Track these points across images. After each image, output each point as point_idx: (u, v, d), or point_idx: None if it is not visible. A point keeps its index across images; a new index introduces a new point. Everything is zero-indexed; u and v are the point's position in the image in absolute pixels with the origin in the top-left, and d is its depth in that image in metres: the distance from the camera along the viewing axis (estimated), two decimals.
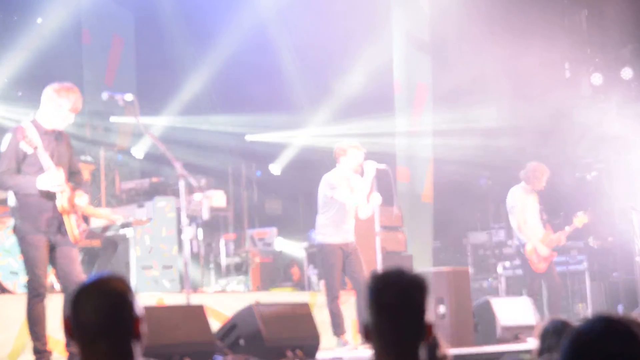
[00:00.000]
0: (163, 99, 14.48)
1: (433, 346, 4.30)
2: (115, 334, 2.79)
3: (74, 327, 2.83)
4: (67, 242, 7.16)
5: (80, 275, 7.16)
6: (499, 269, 14.09)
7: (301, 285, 13.03)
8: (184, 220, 7.83)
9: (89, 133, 14.63)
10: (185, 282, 7.74)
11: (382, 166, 9.67)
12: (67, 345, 7.15)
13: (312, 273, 12.64)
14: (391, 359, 2.91)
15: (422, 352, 2.94)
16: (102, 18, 14.84)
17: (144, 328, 2.85)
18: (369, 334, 2.96)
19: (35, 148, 6.93)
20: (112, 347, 2.78)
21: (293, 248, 14.29)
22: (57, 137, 7.22)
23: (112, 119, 14.67)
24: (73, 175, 7.41)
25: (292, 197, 16.32)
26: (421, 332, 2.95)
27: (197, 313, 7.19)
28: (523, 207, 11.27)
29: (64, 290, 7.28)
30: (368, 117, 14.39)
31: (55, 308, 7.29)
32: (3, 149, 7.13)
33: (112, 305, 2.81)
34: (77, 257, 7.27)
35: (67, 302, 6.61)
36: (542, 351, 4.45)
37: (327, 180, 9.56)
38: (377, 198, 9.55)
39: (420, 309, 2.95)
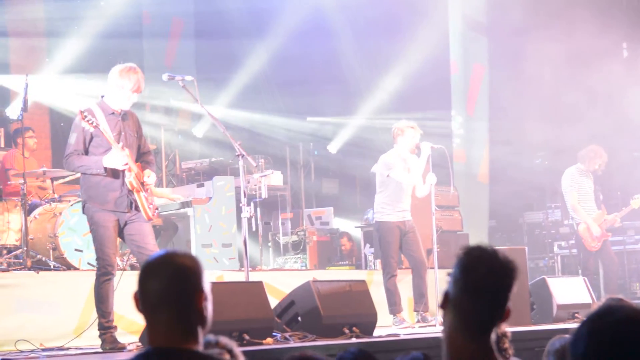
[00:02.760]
0: (222, 80, 14.60)
1: None
2: (177, 305, 2.85)
3: (140, 299, 2.91)
4: (139, 217, 7.28)
5: (155, 248, 7.27)
6: (555, 249, 14.09)
7: (357, 263, 13.14)
8: (243, 199, 7.97)
9: (150, 113, 14.84)
10: (244, 259, 7.89)
11: (438, 146, 9.75)
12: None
13: (368, 252, 12.74)
14: (465, 336, 2.93)
15: (494, 334, 2.96)
16: (162, 0, 15.00)
17: (208, 304, 2.90)
18: (447, 303, 2.96)
19: (96, 127, 7.05)
20: (174, 318, 2.85)
21: (350, 227, 14.40)
22: (123, 117, 7.37)
23: (172, 101, 14.85)
24: (143, 155, 7.56)
25: (348, 176, 16.39)
26: (501, 314, 2.95)
27: (256, 289, 7.26)
28: (578, 188, 11.31)
29: (140, 265, 7.42)
30: (425, 97, 14.41)
31: (122, 286, 7.49)
32: (71, 131, 7.33)
33: (175, 277, 2.87)
34: (151, 231, 7.36)
35: None
36: None
37: (384, 160, 9.67)
38: (433, 177, 9.63)
39: (505, 294, 2.93)
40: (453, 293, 2.96)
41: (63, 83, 12.94)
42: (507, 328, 4.44)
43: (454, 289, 2.95)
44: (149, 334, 2.91)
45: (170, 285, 2.87)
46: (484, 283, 2.91)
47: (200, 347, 2.91)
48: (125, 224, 7.29)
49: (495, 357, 2.96)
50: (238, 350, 3.31)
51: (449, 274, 3.00)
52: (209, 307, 2.93)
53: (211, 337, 3.16)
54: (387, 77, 15.00)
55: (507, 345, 4.39)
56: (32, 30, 13.33)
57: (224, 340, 3.34)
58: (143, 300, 2.91)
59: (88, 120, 7.05)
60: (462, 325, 2.93)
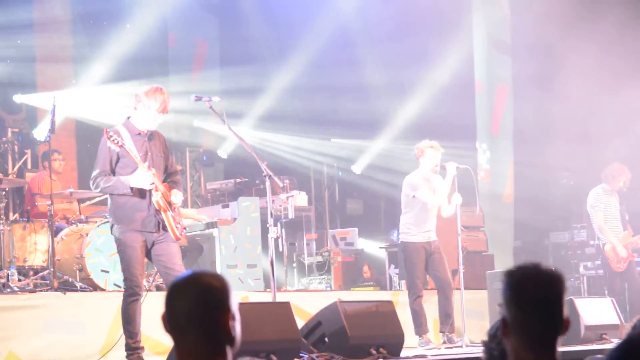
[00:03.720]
0: (246, 102, 14.66)
1: None
2: (205, 326, 2.83)
3: (167, 320, 2.89)
4: (166, 238, 7.29)
5: (182, 269, 7.26)
6: (581, 269, 13.98)
7: (382, 284, 13.11)
8: (270, 219, 7.98)
9: (175, 134, 14.91)
10: (271, 280, 7.88)
11: (464, 166, 9.75)
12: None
13: (393, 272, 12.71)
14: (533, 353, 2.93)
15: (558, 346, 2.98)
16: (188, 22, 15.10)
17: (236, 325, 2.88)
18: (506, 328, 2.97)
19: (122, 146, 7.08)
20: (202, 339, 2.83)
21: (374, 248, 14.37)
22: (149, 137, 7.41)
23: (196, 122, 14.91)
24: (170, 175, 7.58)
25: (373, 197, 16.38)
26: (561, 325, 2.97)
27: (283, 310, 7.26)
28: (604, 208, 11.26)
29: (166, 286, 7.44)
30: (450, 117, 14.39)
31: (148, 306, 7.50)
32: (98, 153, 7.37)
33: (202, 297, 2.84)
34: (178, 251, 7.36)
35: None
36: None
37: (409, 181, 9.67)
38: (458, 198, 9.61)
39: (560, 302, 2.97)
40: (510, 316, 2.97)
41: (90, 104, 13.04)
42: None
43: (509, 311, 2.97)
44: (177, 355, 2.88)
45: (197, 305, 2.85)
46: (536, 296, 2.94)
47: None
48: (153, 244, 7.30)
49: None
50: None
51: (499, 305, 3.03)
52: (237, 327, 2.90)
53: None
54: (412, 97, 15.00)
55: None
56: (60, 55, 13.45)
57: None
58: (170, 321, 2.89)
59: (113, 140, 7.08)
60: (527, 344, 2.94)
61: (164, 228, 7.29)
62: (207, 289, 2.88)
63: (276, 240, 8.08)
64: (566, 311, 2.99)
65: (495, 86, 15.26)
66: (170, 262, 7.28)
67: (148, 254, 7.36)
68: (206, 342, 2.85)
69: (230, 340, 2.89)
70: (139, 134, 7.35)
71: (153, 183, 7.18)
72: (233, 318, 2.89)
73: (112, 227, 7.39)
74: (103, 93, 12.94)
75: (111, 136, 7.09)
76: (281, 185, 8.33)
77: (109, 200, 7.42)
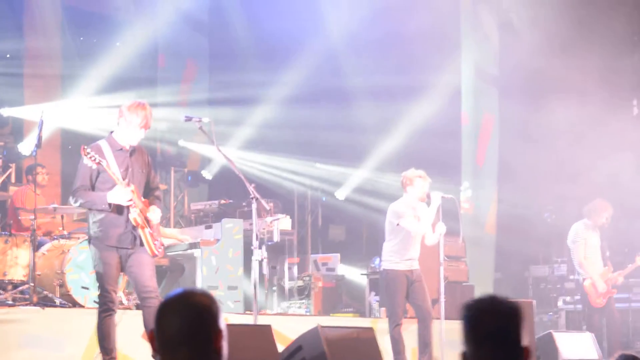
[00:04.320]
0: (234, 123, 14.67)
1: None
2: (197, 344, 2.83)
3: (157, 337, 2.88)
4: (140, 250, 7.30)
5: (151, 280, 7.26)
6: (560, 303, 14.02)
7: (361, 311, 13.08)
8: (255, 241, 7.97)
9: (160, 154, 14.90)
10: (253, 302, 7.88)
11: (449, 196, 9.78)
12: None
13: (373, 300, 12.69)
14: None
15: None
16: (178, 43, 15.12)
17: (225, 343, 2.88)
18: None
19: (99, 163, 7.10)
20: (192, 357, 2.83)
21: (355, 274, 14.36)
22: (131, 153, 7.42)
23: (181, 142, 14.90)
24: (152, 191, 7.60)
25: (355, 223, 16.38)
26: (521, 356, 2.95)
27: (264, 333, 7.27)
28: (584, 243, 11.31)
29: (139, 299, 7.43)
30: (435, 148, 14.45)
31: (123, 324, 7.49)
32: (78, 168, 7.38)
33: (195, 316, 2.85)
34: (149, 263, 7.32)
35: (147, 314, 6.78)
36: None
37: (394, 208, 9.67)
38: (442, 227, 9.63)
39: (517, 333, 2.95)
40: (468, 351, 2.98)
41: (77, 118, 13.01)
42: None
43: (468, 346, 2.98)
44: None
45: (189, 324, 2.85)
46: (492, 330, 2.94)
47: None
48: (127, 259, 7.30)
49: None
50: None
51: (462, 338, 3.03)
52: (225, 347, 2.90)
53: None
54: (399, 127, 15.05)
55: None
56: (49, 71, 13.44)
57: None
58: (160, 338, 2.89)
59: (91, 157, 7.10)
60: None
61: (141, 244, 7.29)
62: (198, 307, 2.88)
63: (260, 262, 8.08)
64: (525, 340, 2.97)
65: (481, 117, 15.34)
66: (139, 272, 7.27)
67: (124, 269, 7.36)
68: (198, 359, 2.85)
69: (220, 357, 2.88)
70: (121, 149, 7.37)
71: (131, 200, 7.18)
72: (223, 337, 2.89)
73: (89, 241, 7.41)
74: (90, 108, 12.91)
75: (88, 153, 7.11)
76: (268, 208, 8.34)
77: (88, 216, 7.42)
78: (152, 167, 7.76)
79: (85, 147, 7.19)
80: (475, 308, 3.00)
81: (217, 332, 2.88)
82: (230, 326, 8.00)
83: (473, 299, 3.04)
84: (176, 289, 3.00)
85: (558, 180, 14.33)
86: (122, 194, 7.16)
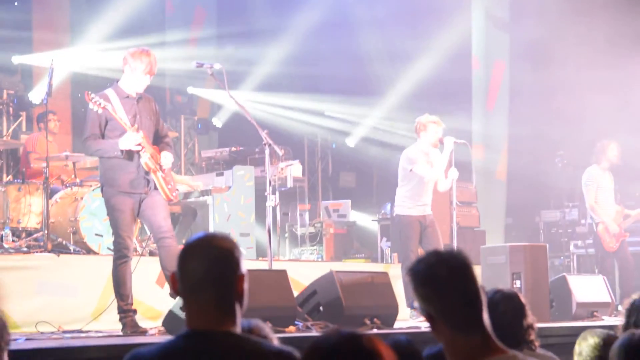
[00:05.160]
0: (243, 70, 14.61)
1: (520, 315, 4.38)
2: (218, 287, 2.85)
3: (179, 280, 2.90)
4: (154, 194, 7.31)
5: (165, 220, 7.29)
6: (571, 248, 14.04)
7: (373, 256, 13.13)
8: (268, 187, 7.96)
9: (169, 102, 14.87)
10: (268, 248, 7.89)
11: (461, 141, 9.75)
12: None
13: (385, 245, 12.72)
14: (462, 334, 2.96)
15: (486, 319, 3.00)
16: None
17: (245, 288, 2.91)
18: (433, 321, 3.00)
19: (104, 108, 7.10)
20: (215, 299, 2.85)
21: (366, 220, 14.38)
22: (138, 100, 7.41)
23: (190, 89, 14.86)
24: (161, 139, 7.58)
25: (365, 170, 16.38)
26: (481, 300, 3.00)
27: (280, 278, 7.27)
28: (596, 187, 11.28)
29: (155, 241, 7.45)
30: (445, 93, 14.38)
31: (138, 270, 7.51)
32: (87, 116, 7.37)
33: (217, 259, 2.86)
34: (162, 204, 7.34)
35: (163, 254, 6.80)
36: (627, 327, 4.46)
37: (407, 154, 9.65)
38: (455, 172, 9.61)
39: (474, 278, 3.00)
40: (430, 308, 2.99)
41: (87, 64, 12.96)
42: (534, 322, 4.45)
43: (430, 302, 2.99)
44: (187, 316, 2.89)
45: (212, 267, 2.87)
46: (451, 279, 2.97)
47: (238, 330, 2.90)
48: (141, 204, 7.31)
49: (496, 344, 2.99)
50: (271, 333, 3.31)
51: (412, 304, 3.06)
52: (246, 289, 2.93)
53: (244, 321, 3.15)
54: (408, 72, 14.97)
55: (533, 337, 4.40)
56: (57, 19, 13.38)
57: (258, 326, 3.34)
58: (183, 280, 2.90)
59: (96, 102, 7.10)
60: (457, 326, 2.96)
61: (155, 188, 7.30)
62: (223, 251, 2.90)
63: (273, 208, 8.07)
64: (479, 283, 3.01)
65: (493, 62, 15.24)
66: (153, 214, 7.30)
67: (138, 214, 7.36)
68: (219, 302, 2.87)
69: (241, 301, 2.91)
70: (128, 97, 7.36)
71: (140, 144, 7.17)
72: (245, 281, 2.92)
73: (102, 189, 7.42)
74: (99, 53, 12.84)
75: (92, 98, 7.11)
76: (281, 153, 8.32)
77: (100, 163, 7.43)
78: (160, 115, 7.73)
79: (90, 92, 7.17)
80: (425, 264, 3.01)
81: (240, 275, 2.90)
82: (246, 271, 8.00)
83: (416, 261, 3.05)
84: (197, 233, 3.01)
85: (570, 125, 14.26)
86: (132, 138, 7.15)
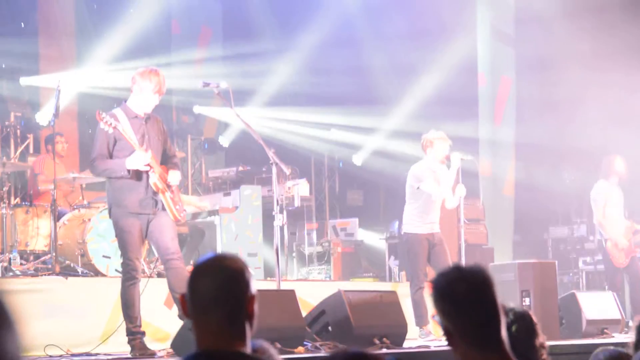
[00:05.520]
0: (249, 90, 14.62)
1: (531, 334, 4.35)
2: (229, 307, 2.83)
3: (189, 300, 2.87)
4: (162, 215, 7.29)
5: (172, 242, 7.25)
6: (580, 264, 14.00)
7: (381, 275, 13.10)
8: (276, 207, 7.94)
9: (176, 122, 14.88)
10: (276, 267, 7.87)
11: (469, 158, 9.72)
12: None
13: (393, 264, 12.69)
14: (479, 352, 2.93)
15: (506, 338, 2.97)
16: (191, 9, 15.04)
17: (256, 308, 2.88)
18: (450, 337, 2.97)
19: (115, 128, 7.09)
20: (225, 320, 2.82)
21: (374, 239, 14.35)
22: (146, 120, 7.40)
23: (196, 108, 14.87)
24: (169, 159, 7.57)
25: (373, 188, 16.36)
26: (499, 318, 2.96)
27: (288, 298, 7.26)
28: (604, 202, 11.23)
29: (162, 262, 7.43)
30: (452, 109, 14.37)
31: (146, 292, 7.49)
32: (95, 136, 7.36)
33: (227, 279, 2.84)
34: (170, 225, 7.31)
35: (170, 276, 6.75)
36: (638, 344, 4.43)
37: (414, 171, 9.62)
38: (462, 189, 9.57)
39: (493, 296, 2.96)
40: (449, 324, 2.97)
41: (91, 88, 12.98)
42: (545, 341, 4.42)
43: (449, 319, 2.96)
44: (197, 337, 2.87)
45: (223, 287, 2.85)
46: (470, 296, 2.94)
47: (248, 350, 2.88)
48: (149, 224, 7.29)
49: None
50: (276, 354, 3.29)
51: (433, 316, 3.03)
52: (257, 310, 2.91)
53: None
54: (414, 89, 14.98)
55: (545, 356, 4.36)
56: (63, 39, 13.41)
57: (262, 347, 3.32)
58: (193, 302, 2.88)
59: (106, 122, 7.09)
60: (474, 344, 2.93)
61: (163, 209, 7.28)
62: (232, 271, 2.88)
63: (281, 228, 8.05)
64: (500, 299, 2.98)
65: (499, 78, 15.24)
66: (160, 235, 7.26)
67: (146, 236, 7.35)
68: (229, 323, 2.84)
69: (251, 322, 2.89)
70: (136, 117, 7.35)
71: (148, 164, 7.16)
72: (255, 301, 2.90)
73: (109, 210, 7.39)
74: (105, 74, 12.87)
75: (103, 117, 7.10)
76: (288, 172, 8.32)
77: (107, 184, 7.41)
78: (168, 135, 7.73)
79: (101, 112, 7.17)
80: (444, 282, 2.99)
81: (250, 296, 2.89)
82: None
83: (438, 274, 3.03)
84: (206, 254, 3.00)
85: (576, 140, 14.24)
86: (141, 158, 7.14)
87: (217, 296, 2.84)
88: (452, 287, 2.95)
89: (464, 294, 2.93)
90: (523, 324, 4.33)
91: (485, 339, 2.94)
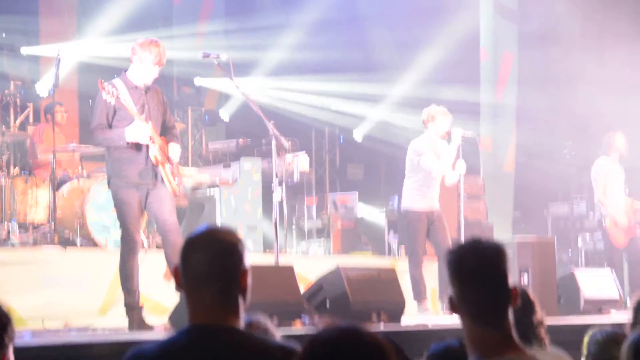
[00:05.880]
0: (250, 61, 14.55)
1: (529, 311, 4.35)
2: (222, 282, 2.81)
3: (182, 274, 2.86)
4: (161, 187, 7.27)
5: (171, 214, 7.26)
6: (579, 242, 13.99)
7: (380, 250, 13.09)
8: (275, 180, 7.91)
9: (177, 93, 14.83)
10: (274, 242, 7.86)
11: (470, 133, 9.68)
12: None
13: (392, 239, 12.68)
14: (483, 326, 2.96)
15: (511, 317, 3.01)
16: None
17: (249, 281, 2.87)
18: (454, 306, 3.02)
19: (117, 98, 7.06)
20: (218, 295, 2.81)
21: (373, 213, 14.33)
22: (146, 91, 7.37)
23: (197, 79, 14.81)
24: (168, 130, 7.54)
25: (373, 163, 16.33)
26: (507, 296, 3.00)
27: (286, 273, 7.26)
28: (604, 179, 11.19)
29: (160, 235, 7.42)
30: (453, 84, 14.32)
31: (144, 264, 7.48)
32: (94, 106, 7.33)
33: (220, 253, 2.83)
34: (168, 198, 7.30)
35: (168, 249, 6.75)
36: (635, 324, 4.43)
37: (414, 146, 9.58)
38: (462, 165, 9.54)
39: (502, 274, 3.00)
40: (455, 294, 3.01)
41: (92, 57, 12.93)
42: (544, 318, 4.42)
43: (455, 289, 3.01)
44: (190, 310, 2.86)
45: (216, 261, 2.83)
46: (478, 271, 2.98)
47: (242, 324, 2.87)
48: (147, 196, 7.26)
49: (515, 342, 2.99)
50: (273, 327, 3.28)
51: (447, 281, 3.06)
52: (250, 284, 2.89)
53: (245, 316, 3.11)
54: (416, 63, 14.91)
55: (543, 334, 4.37)
56: (63, 8, 13.35)
57: (258, 319, 3.32)
58: (186, 275, 2.87)
59: (108, 92, 7.06)
60: (477, 319, 2.97)
61: (162, 181, 7.26)
62: (224, 245, 2.86)
63: (279, 203, 8.03)
64: (511, 282, 3.01)
65: (501, 54, 15.18)
66: (159, 208, 7.26)
67: (145, 207, 7.33)
68: (222, 297, 2.83)
69: (244, 296, 2.88)
70: (136, 87, 7.32)
71: (150, 136, 7.13)
72: (248, 276, 2.88)
73: (108, 181, 7.38)
74: (106, 45, 12.81)
75: (106, 87, 7.06)
76: (286, 145, 8.27)
77: (106, 155, 7.39)
78: (167, 106, 7.70)
79: (103, 81, 7.13)
80: (459, 251, 3.04)
81: (243, 270, 2.87)
82: (252, 267, 7.96)
83: (455, 245, 3.08)
84: (201, 226, 2.96)
85: (577, 117, 14.21)
86: (141, 129, 7.12)
87: (210, 270, 2.82)
88: (464, 259, 3.00)
89: (473, 268, 2.98)
90: (521, 301, 4.33)
91: (488, 314, 2.97)
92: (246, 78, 14.06)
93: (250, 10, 14.88)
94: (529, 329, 4.29)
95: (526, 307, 4.32)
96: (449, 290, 3.04)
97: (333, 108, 15.70)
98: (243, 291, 2.86)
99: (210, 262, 2.82)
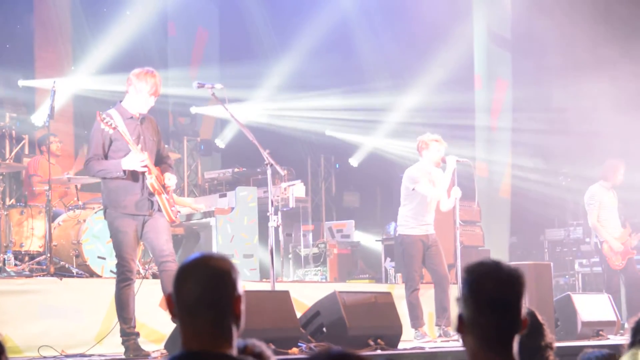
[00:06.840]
0: (245, 91, 14.61)
1: (538, 335, 4.34)
2: (214, 309, 2.82)
3: (175, 302, 2.86)
4: (157, 216, 7.27)
5: (167, 244, 7.24)
6: (576, 266, 13.99)
7: (377, 277, 13.08)
8: (270, 208, 7.93)
9: (172, 123, 14.87)
10: (270, 268, 7.85)
11: (464, 160, 9.72)
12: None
13: (389, 265, 12.68)
14: (488, 352, 2.92)
15: (516, 345, 2.95)
16: (188, 11, 15.04)
17: (243, 308, 2.87)
18: (462, 326, 2.96)
19: (115, 128, 7.06)
20: (211, 322, 2.82)
21: (370, 240, 14.34)
22: (142, 121, 7.38)
23: (193, 109, 14.86)
24: (162, 159, 7.56)
25: (369, 190, 16.35)
26: (518, 325, 2.94)
27: (283, 299, 7.25)
28: (599, 205, 11.22)
29: (157, 264, 7.41)
30: (448, 112, 14.38)
31: (141, 293, 7.48)
32: (91, 136, 7.35)
33: (214, 280, 2.83)
34: (165, 227, 7.29)
35: (164, 279, 6.73)
36: (633, 345, 4.43)
37: (409, 173, 9.63)
38: (457, 192, 9.58)
39: (518, 303, 2.93)
40: (466, 314, 2.95)
41: (88, 90, 12.97)
42: (553, 341, 4.41)
43: (467, 310, 2.95)
44: (183, 338, 2.86)
45: (209, 288, 2.84)
46: (494, 297, 2.91)
47: (234, 352, 2.87)
48: (144, 226, 7.27)
49: None
50: (268, 351, 3.28)
51: (458, 299, 2.99)
52: (244, 311, 2.89)
53: (240, 341, 3.11)
54: (411, 92, 14.98)
55: (552, 357, 4.36)
56: (59, 41, 13.40)
57: (254, 344, 3.31)
58: (179, 303, 2.87)
59: (107, 123, 7.06)
60: (483, 343, 2.92)
61: (159, 210, 7.26)
62: (217, 272, 2.86)
63: (276, 229, 8.04)
64: (524, 312, 2.95)
65: (495, 82, 15.26)
66: (156, 237, 7.25)
67: (142, 237, 7.33)
68: (215, 325, 2.84)
69: (238, 325, 2.88)
70: (131, 117, 7.33)
71: (145, 165, 7.14)
72: (241, 302, 2.88)
73: (105, 211, 7.38)
74: (101, 77, 12.87)
75: (104, 118, 7.08)
76: (283, 174, 8.29)
77: (102, 185, 7.38)
78: (161, 135, 7.72)
79: (101, 112, 7.15)
80: (478, 272, 2.96)
81: (236, 297, 2.87)
82: (248, 292, 7.91)
83: (475, 262, 2.99)
84: (194, 254, 2.97)
85: (573, 143, 14.25)
86: (138, 159, 7.12)
87: (202, 297, 2.83)
88: (482, 282, 2.92)
89: (491, 294, 2.91)
90: (529, 324, 4.33)
91: (494, 342, 2.92)
92: (241, 104, 14.11)
93: (244, 39, 14.95)
94: (537, 353, 4.28)
95: (534, 331, 4.30)
96: (458, 309, 2.97)
97: (329, 136, 15.75)
98: (236, 318, 2.86)
99: (202, 290, 2.83)
